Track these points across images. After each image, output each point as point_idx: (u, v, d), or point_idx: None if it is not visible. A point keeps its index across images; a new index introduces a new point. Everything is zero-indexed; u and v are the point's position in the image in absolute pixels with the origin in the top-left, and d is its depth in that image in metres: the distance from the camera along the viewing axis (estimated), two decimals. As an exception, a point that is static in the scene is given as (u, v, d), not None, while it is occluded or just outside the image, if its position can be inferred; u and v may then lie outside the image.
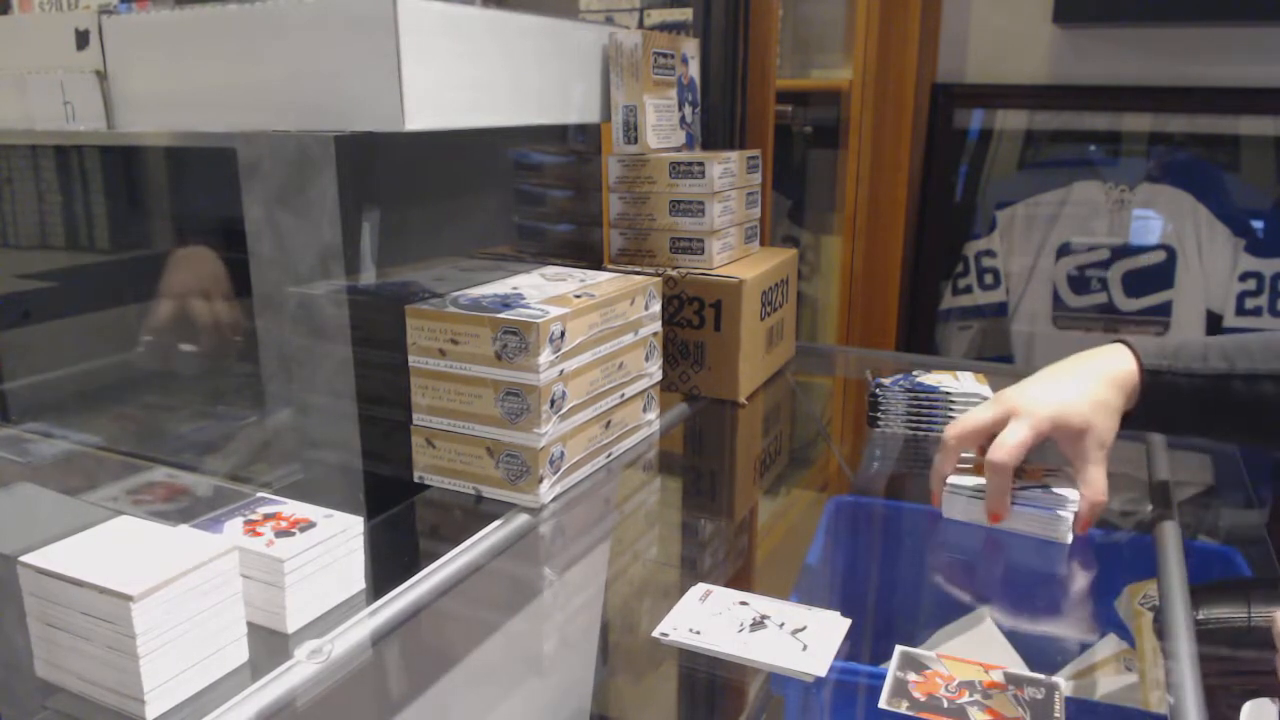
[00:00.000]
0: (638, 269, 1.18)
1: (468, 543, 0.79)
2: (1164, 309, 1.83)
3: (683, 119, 1.25)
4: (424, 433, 0.88)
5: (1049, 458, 0.94)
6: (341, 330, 0.84)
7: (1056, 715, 0.63)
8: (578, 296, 0.90)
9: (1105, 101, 1.84)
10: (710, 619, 0.73)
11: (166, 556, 0.58)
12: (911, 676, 0.67)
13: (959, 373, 1.18)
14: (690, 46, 1.26)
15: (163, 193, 0.98)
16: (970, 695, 0.65)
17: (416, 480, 0.90)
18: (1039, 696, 0.64)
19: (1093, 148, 1.88)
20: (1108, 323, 1.87)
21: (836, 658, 0.68)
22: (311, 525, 0.69)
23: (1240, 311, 1.78)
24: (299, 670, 0.61)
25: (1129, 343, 0.87)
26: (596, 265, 1.21)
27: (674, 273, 1.16)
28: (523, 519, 0.84)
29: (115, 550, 0.59)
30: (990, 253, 1.94)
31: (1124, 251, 1.85)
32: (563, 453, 0.87)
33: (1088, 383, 0.84)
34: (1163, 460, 1.03)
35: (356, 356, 0.85)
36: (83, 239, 1.02)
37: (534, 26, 0.97)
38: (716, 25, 1.42)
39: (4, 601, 0.62)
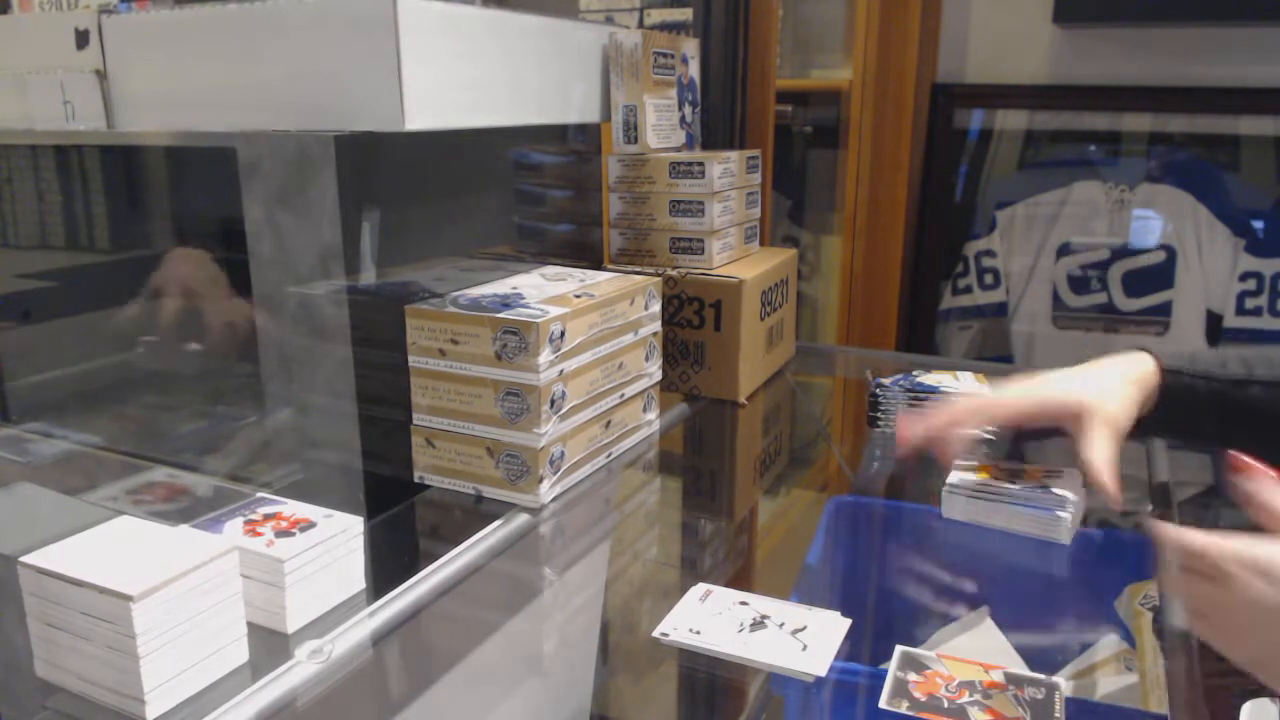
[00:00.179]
0: (638, 269, 1.18)
1: (468, 543, 0.79)
2: (1164, 309, 1.83)
3: (683, 119, 1.25)
4: (424, 433, 0.88)
5: (1049, 458, 0.95)
6: (341, 330, 0.84)
7: (1056, 715, 0.63)
8: (578, 296, 0.90)
9: (1105, 101, 1.84)
10: (710, 619, 0.73)
11: (166, 556, 0.58)
12: (911, 676, 0.67)
13: (959, 373, 1.18)
14: (690, 46, 1.26)
15: (163, 193, 0.98)
16: (970, 695, 0.65)
17: (416, 480, 0.90)
18: (1039, 696, 0.64)
19: (1093, 148, 1.88)
20: (1108, 323, 1.87)
21: (836, 658, 0.68)
22: (311, 525, 0.69)
23: (1240, 311, 1.78)
24: (299, 670, 0.61)
25: (1148, 349, 0.87)
26: (596, 265, 1.21)
27: (674, 273, 1.16)
28: (523, 519, 0.84)
29: (115, 550, 0.59)
30: (990, 253, 1.94)
31: (1124, 251, 1.85)
32: (563, 453, 0.87)
33: (1101, 373, 0.85)
34: (1163, 460, 1.03)
35: (356, 356, 0.85)
36: (83, 239, 1.02)
37: (534, 26, 0.97)
38: (716, 25, 1.42)
39: (4, 601, 0.62)
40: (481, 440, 0.85)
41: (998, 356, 1.96)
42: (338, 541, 0.68)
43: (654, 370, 1.03)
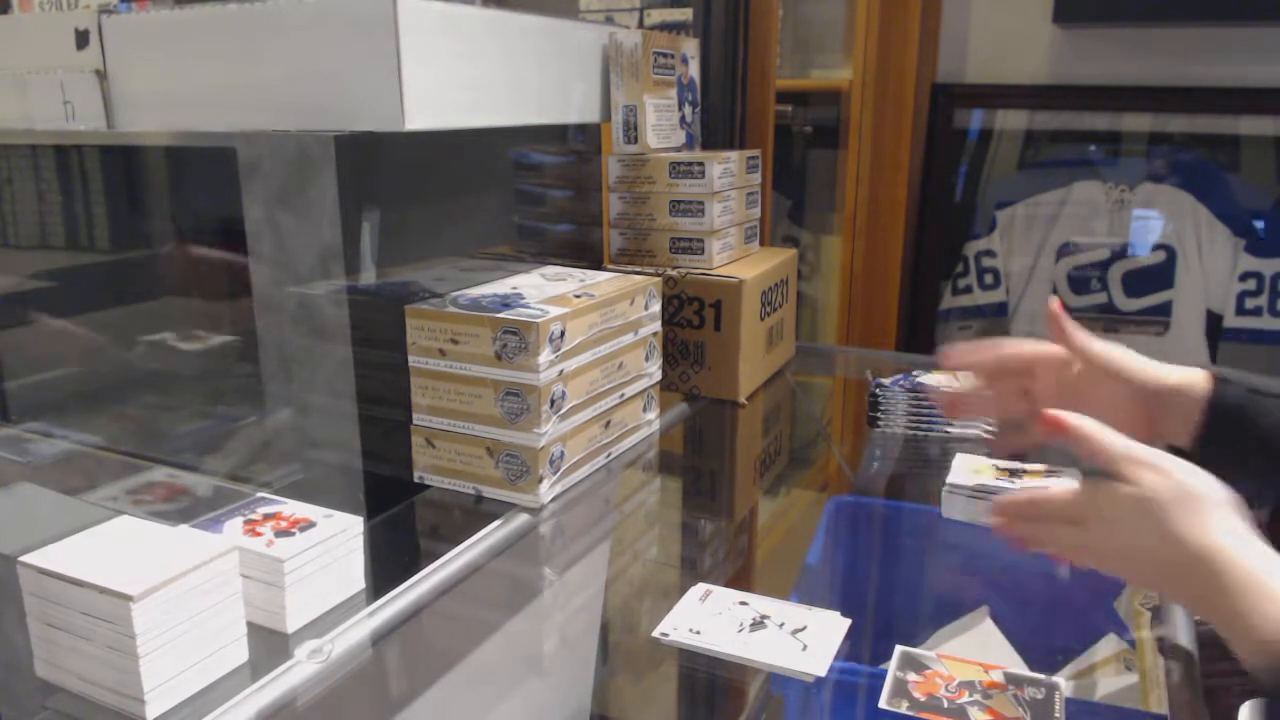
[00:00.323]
0: (638, 269, 1.18)
1: (468, 543, 0.79)
2: (1164, 309, 1.83)
3: (683, 119, 1.25)
4: (424, 433, 0.88)
5: (1050, 459, 0.95)
6: (341, 330, 0.84)
7: (1056, 715, 0.63)
8: (578, 296, 0.90)
9: (1105, 101, 1.84)
10: (710, 619, 0.73)
11: (166, 556, 0.58)
12: (911, 676, 0.67)
13: (959, 373, 1.18)
14: (690, 46, 1.26)
15: (163, 193, 0.98)
16: (970, 695, 0.64)
17: (416, 480, 0.90)
18: (1039, 696, 0.64)
19: (1093, 148, 1.88)
20: (1108, 323, 1.87)
21: (836, 658, 0.68)
22: (311, 525, 0.69)
23: (1240, 311, 1.78)
24: (299, 670, 0.61)
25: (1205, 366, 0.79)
26: (596, 265, 1.21)
27: (674, 273, 1.16)
28: (523, 519, 0.84)
29: (115, 550, 0.59)
30: (990, 253, 1.94)
31: (1124, 251, 1.85)
32: (563, 453, 0.87)
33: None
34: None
35: (356, 356, 0.85)
36: (83, 239, 1.02)
37: (534, 26, 0.97)
38: (716, 25, 1.42)
39: (4, 601, 0.62)
40: (481, 440, 0.85)
41: (998, 356, 1.96)
42: (338, 541, 0.68)
43: (654, 370, 1.03)
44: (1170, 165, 1.82)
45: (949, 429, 1.11)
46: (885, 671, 0.67)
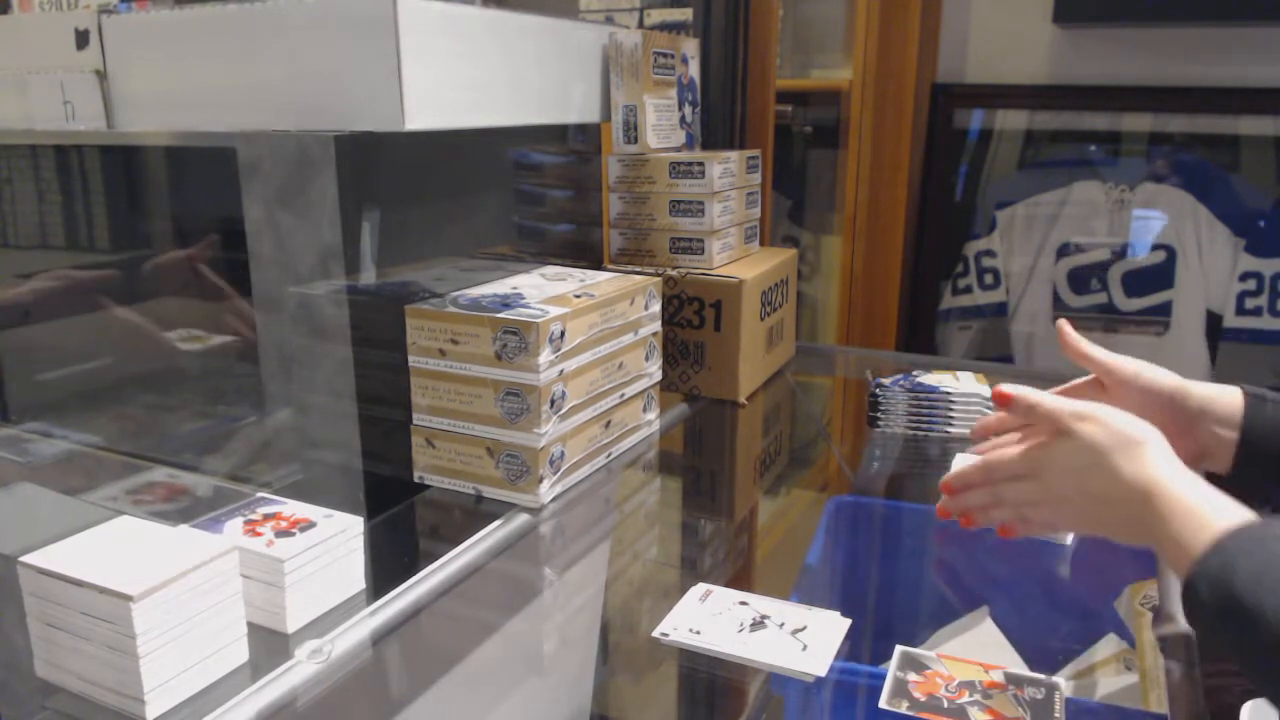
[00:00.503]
0: (638, 269, 1.18)
1: (468, 543, 0.79)
2: (1164, 309, 1.83)
3: (683, 119, 1.25)
4: (424, 433, 0.88)
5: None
6: (341, 330, 0.84)
7: (1056, 715, 0.63)
8: (578, 296, 0.90)
9: (1105, 101, 1.84)
10: (710, 619, 0.73)
11: (166, 556, 0.58)
12: (911, 676, 0.67)
13: (959, 373, 1.18)
14: (690, 46, 1.26)
15: (163, 193, 0.98)
16: (970, 695, 0.64)
17: (416, 480, 0.90)
18: (1039, 696, 0.64)
19: (1093, 148, 1.88)
20: (1108, 323, 1.87)
21: (836, 658, 0.68)
22: (311, 525, 0.69)
23: (1240, 311, 1.78)
24: (299, 670, 0.61)
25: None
26: (596, 265, 1.21)
27: (674, 273, 1.16)
28: (523, 519, 0.84)
29: (115, 550, 0.59)
30: (990, 253, 1.94)
31: (1124, 251, 1.85)
32: (563, 453, 0.87)
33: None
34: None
35: (356, 356, 0.85)
36: (83, 239, 1.02)
37: (534, 26, 0.97)
38: (716, 25, 1.42)
39: (4, 601, 0.62)
40: (481, 440, 0.85)
41: (998, 356, 1.96)
42: (338, 541, 0.68)
43: (654, 370, 1.03)
44: (1170, 165, 1.82)
45: (949, 429, 1.11)
46: (885, 671, 0.67)
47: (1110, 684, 0.81)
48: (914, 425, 1.12)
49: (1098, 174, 1.86)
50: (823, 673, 0.67)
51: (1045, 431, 0.71)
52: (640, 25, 1.38)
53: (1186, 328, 1.82)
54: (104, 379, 1.05)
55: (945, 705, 0.64)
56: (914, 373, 1.17)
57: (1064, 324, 0.77)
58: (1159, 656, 0.72)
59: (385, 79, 0.77)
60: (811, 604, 0.75)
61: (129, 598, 0.54)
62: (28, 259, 1.06)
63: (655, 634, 0.72)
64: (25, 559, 0.58)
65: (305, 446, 0.88)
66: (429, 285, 0.93)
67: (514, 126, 0.96)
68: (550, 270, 1.05)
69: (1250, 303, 1.77)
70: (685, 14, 1.37)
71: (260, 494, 0.75)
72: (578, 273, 1.03)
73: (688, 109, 1.26)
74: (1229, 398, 0.72)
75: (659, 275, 1.10)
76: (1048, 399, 0.69)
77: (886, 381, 1.14)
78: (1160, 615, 0.77)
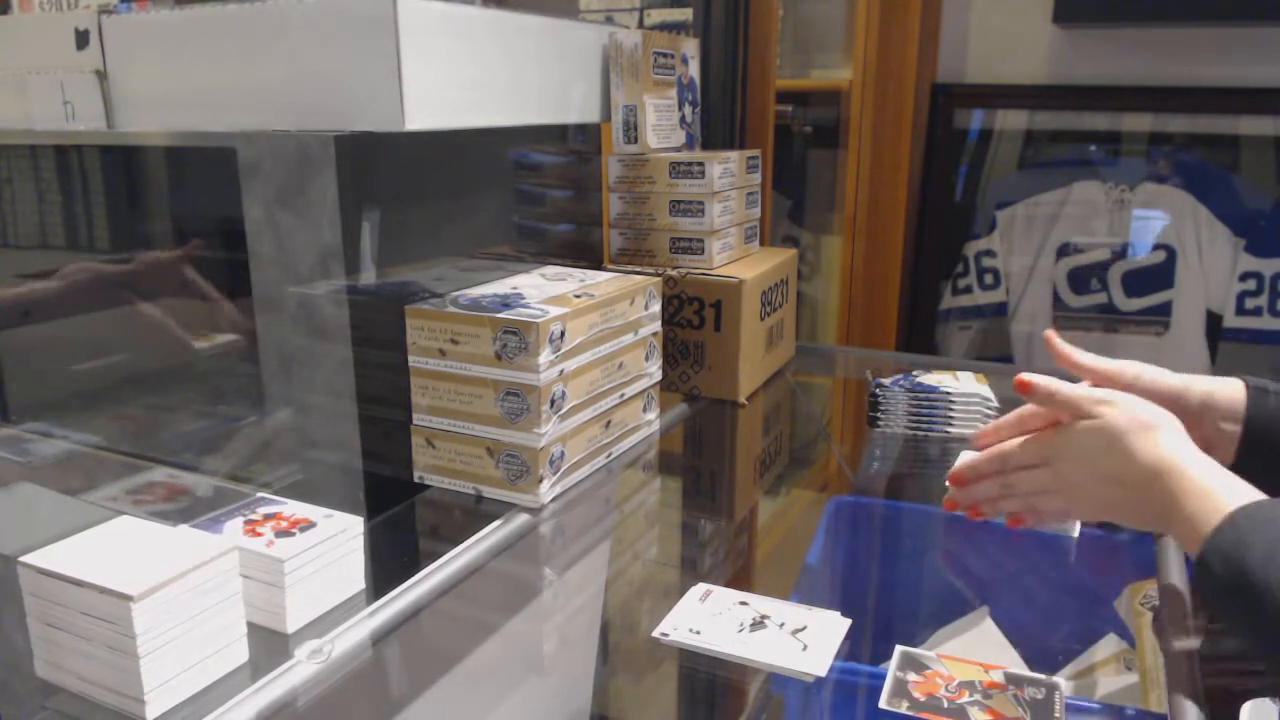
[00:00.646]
0: (638, 269, 1.18)
1: (468, 543, 0.79)
2: (1164, 309, 1.83)
3: (683, 119, 1.25)
4: (424, 433, 0.88)
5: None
6: (341, 330, 0.84)
7: (1056, 715, 0.63)
8: (578, 296, 0.90)
9: (1105, 101, 1.84)
10: (710, 619, 0.73)
11: (166, 556, 0.58)
12: (911, 676, 0.67)
13: (959, 373, 1.18)
14: (690, 46, 1.26)
15: (163, 193, 0.98)
16: (970, 695, 0.64)
17: (416, 480, 0.90)
18: (1039, 696, 0.64)
19: (1093, 148, 1.88)
20: (1108, 323, 1.87)
21: (836, 658, 0.68)
22: (311, 525, 0.69)
23: (1240, 311, 1.78)
24: (299, 670, 0.61)
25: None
26: (596, 265, 1.21)
27: (674, 273, 1.16)
28: (523, 519, 0.84)
29: (115, 550, 0.59)
30: (990, 253, 1.94)
31: (1124, 251, 1.85)
32: (563, 453, 0.87)
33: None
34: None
35: (356, 356, 0.85)
36: (83, 239, 1.02)
37: (534, 26, 0.97)
38: (716, 25, 1.42)
39: (4, 601, 0.62)
40: (481, 440, 0.85)
41: (998, 356, 1.96)
42: (338, 541, 0.68)
43: (654, 370, 1.03)
44: (1170, 165, 1.82)
45: (949, 429, 1.11)
46: (885, 671, 0.67)
47: (1110, 684, 0.81)
48: (914, 425, 1.12)
49: (1098, 174, 1.86)
50: (823, 673, 0.67)
51: (1061, 420, 0.71)
52: (640, 25, 1.38)
53: (1186, 328, 1.82)
54: (103, 378, 1.05)
55: (945, 705, 0.64)
56: (914, 373, 1.17)
57: (1052, 335, 0.77)
58: (1159, 656, 0.72)
59: (385, 79, 0.77)
60: (811, 604, 0.75)
61: (129, 598, 0.54)
62: (28, 259, 1.06)
63: (655, 634, 0.72)
64: (25, 559, 0.58)
65: (305, 446, 0.88)
66: (429, 285, 0.93)
67: (514, 126, 0.96)
68: (550, 270, 1.05)
69: (1250, 303, 1.77)
70: (685, 14, 1.37)
71: (260, 494, 0.75)
72: (578, 273, 1.03)
73: (688, 109, 1.26)
74: (1231, 390, 0.73)
75: (659, 275, 1.10)
76: (1067, 387, 0.70)
77: (886, 381, 1.14)
78: (1160, 615, 0.77)
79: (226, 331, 0.93)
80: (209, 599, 0.58)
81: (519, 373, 0.82)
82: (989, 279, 1.95)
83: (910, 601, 1.00)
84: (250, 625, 0.62)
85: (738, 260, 1.24)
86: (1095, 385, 0.76)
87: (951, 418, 1.11)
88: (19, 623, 0.59)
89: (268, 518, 0.70)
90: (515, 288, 0.94)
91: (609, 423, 0.95)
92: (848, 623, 0.72)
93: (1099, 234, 1.86)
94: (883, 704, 0.64)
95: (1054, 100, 1.87)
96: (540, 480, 0.84)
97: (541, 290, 0.93)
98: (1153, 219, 1.83)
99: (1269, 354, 1.76)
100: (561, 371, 0.85)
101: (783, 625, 0.72)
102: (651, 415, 1.05)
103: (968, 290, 1.97)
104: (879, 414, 1.13)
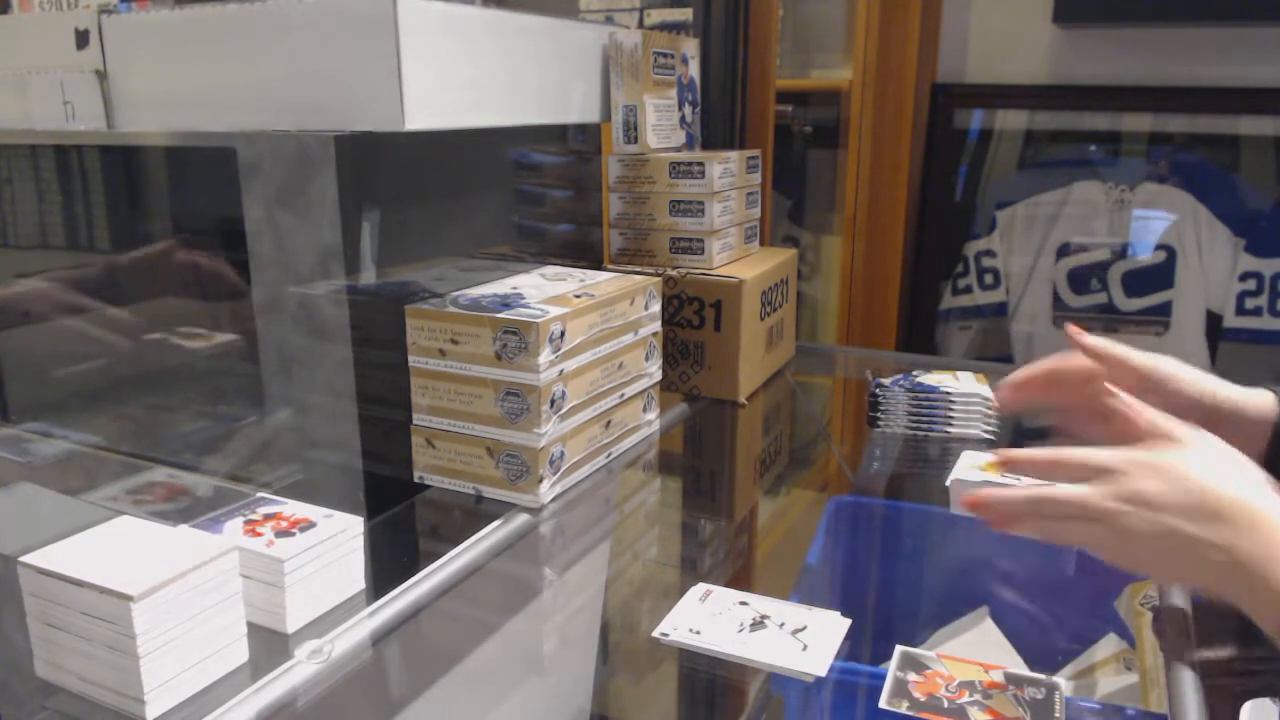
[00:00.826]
0: (638, 269, 1.18)
1: (468, 543, 0.79)
2: (1164, 309, 1.83)
3: (683, 119, 1.25)
4: (424, 433, 0.88)
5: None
6: (341, 330, 0.84)
7: (1056, 715, 0.63)
8: (578, 296, 0.90)
9: (1105, 101, 1.84)
10: (710, 619, 0.73)
11: (166, 556, 0.58)
12: (911, 676, 0.67)
13: (959, 373, 1.18)
14: (690, 46, 1.26)
15: (163, 193, 0.98)
16: (970, 695, 0.64)
17: (416, 480, 0.90)
18: (1039, 696, 0.64)
19: (1093, 148, 1.88)
20: (1108, 323, 1.87)
21: (836, 658, 0.68)
22: (311, 525, 0.69)
23: (1240, 311, 1.78)
24: (299, 670, 0.61)
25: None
26: (596, 265, 1.21)
27: (674, 273, 1.16)
28: (523, 519, 0.84)
29: (115, 550, 0.59)
30: (990, 253, 1.94)
31: (1124, 251, 1.85)
32: (563, 453, 0.87)
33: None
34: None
35: (356, 356, 0.85)
36: (83, 239, 1.02)
37: (534, 26, 0.97)
38: (716, 25, 1.42)
39: (4, 601, 0.62)
40: (481, 440, 0.85)
41: (998, 356, 1.96)
42: (338, 541, 0.68)
43: (654, 370, 1.03)
44: (1170, 165, 1.82)
45: (949, 429, 1.11)
46: (885, 671, 0.67)
47: (1110, 684, 0.81)
48: (914, 425, 1.12)
49: (1098, 174, 1.86)
50: (823, 673, 0.67)
51: (1103, 420, 0.67)
52: (640, 25, 1.38)
53: (1186, 328, 1.82)
54: (90, 380, 1.05)
55: (945, 705, 0.64)
56: (914, 373, 1.17)
57: (1077, 331, 0.73)
58: (1159, 656, 0.72)
59: (385, 79, 0.77)
60: (811, 604, 0.75)
61: (129, 598, 0.54)
62: (28, 259, 1.06)
63: (655, 634, 0.72)
64: (25, 559, 0.58)
65: (305, 446, 0.88)
66: (429, 285, 0.93)
67: (514, 126, 0.96)
68: (550, 270, 1.05)
69: (1250, 303, 1.77)
70: (685, 14, 1.37)
71: (260, 494, 0.75)
72: (578, 273, 1.03)
73: (688, 109, 1.26)
74: (1260, 401, 0.71)
75: (659, 275, 1.10)
76: (1147, 412, 0.63)
77: (886, 381, 1.14)
78: (1160, 615, 0.77)
79: (229, 305, 0.92)
80: (209, 599, 0.58)
81: (519, 373, 0.82)
82: (989, 279, 1.95)
83: (910, 601, 1.00)
84: (250, 625, 0.62)
85: (738, 260, 1.24)
86: (1118, 376, 0.72)
87: (951, 418, 1.11)
88: (19, 623, 0.59)
89: (268, 518, 0.70)
90: (515, 288, 0.94)
91: (609, 423, 0.95)
92: (848, 623, 0.72)
93: (1099, 234, 1.86)
94: (883, 704, 0.64)
95: (1054, 100, 1.87)
96: (540, 480, 0.84)
97: (541, 290, 0.93)
98: (1153, 219, 1.83)
99: (1269, 354, 1.76)
100: (561, 371, 0.85)
101: (783, 625, 0.72)
102: (651, 415, 1.05)
103: (968, 290, 1.97)
104: (879, 414, 1.13)
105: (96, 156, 0.99)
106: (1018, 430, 1.12)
